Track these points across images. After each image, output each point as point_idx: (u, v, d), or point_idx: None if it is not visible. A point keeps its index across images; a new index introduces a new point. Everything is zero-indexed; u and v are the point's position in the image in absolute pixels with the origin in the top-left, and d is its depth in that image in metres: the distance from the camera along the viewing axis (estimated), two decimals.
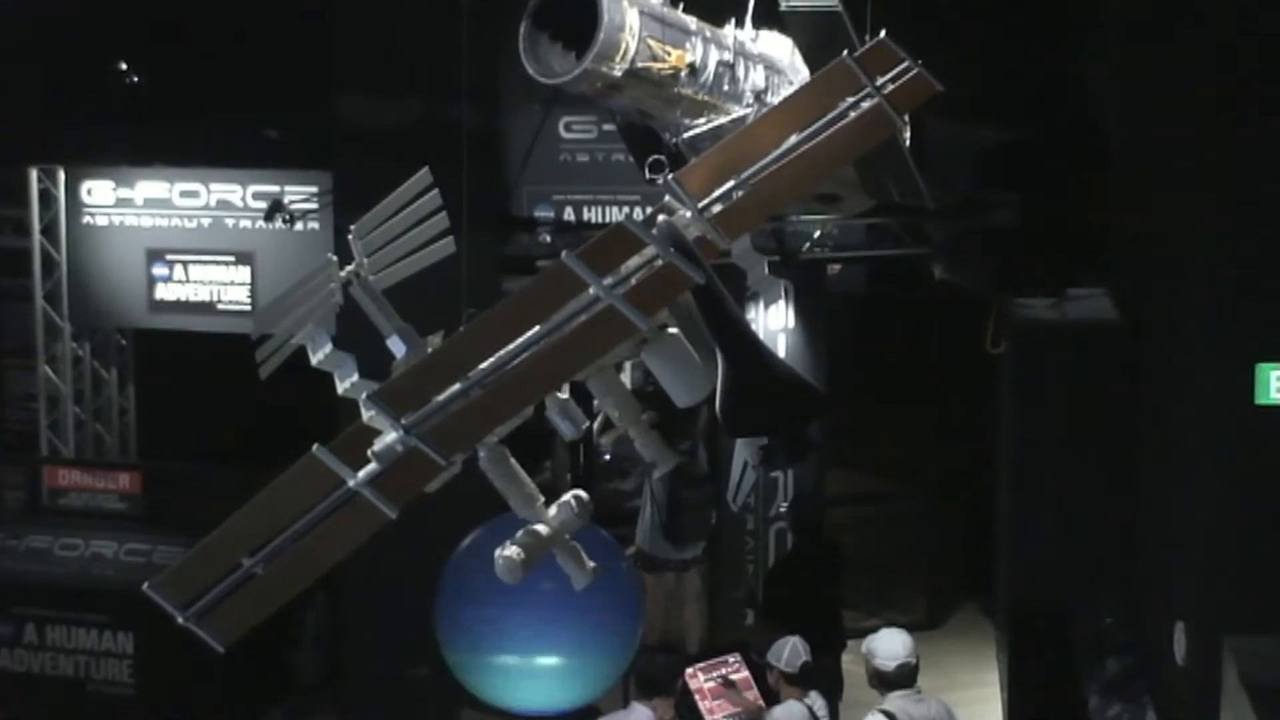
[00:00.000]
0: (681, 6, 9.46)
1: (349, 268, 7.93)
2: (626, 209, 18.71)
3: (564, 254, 6.62)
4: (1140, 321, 16.35)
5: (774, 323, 17.84)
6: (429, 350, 7.64)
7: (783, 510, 19.41)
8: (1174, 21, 14.67)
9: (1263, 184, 12.87)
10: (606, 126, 17.96)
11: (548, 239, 18.90)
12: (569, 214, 19.25)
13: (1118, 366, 16.62)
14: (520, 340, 6.68)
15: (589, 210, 19.25)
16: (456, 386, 6.69)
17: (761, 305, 15.81)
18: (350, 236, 8.07)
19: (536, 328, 6.67)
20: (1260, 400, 12.83)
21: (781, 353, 17.21)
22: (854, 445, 21.85)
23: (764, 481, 18.71)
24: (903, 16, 9.64)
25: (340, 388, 7.64)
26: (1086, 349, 16.95)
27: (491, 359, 6.69)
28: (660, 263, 6.67)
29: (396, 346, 7.76)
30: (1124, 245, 17.10)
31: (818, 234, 18.52)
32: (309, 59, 18.38)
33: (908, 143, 11.34)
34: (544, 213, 19.28)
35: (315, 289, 7.89)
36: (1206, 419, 13.77)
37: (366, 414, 6.83)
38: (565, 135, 19.22)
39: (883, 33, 7.45)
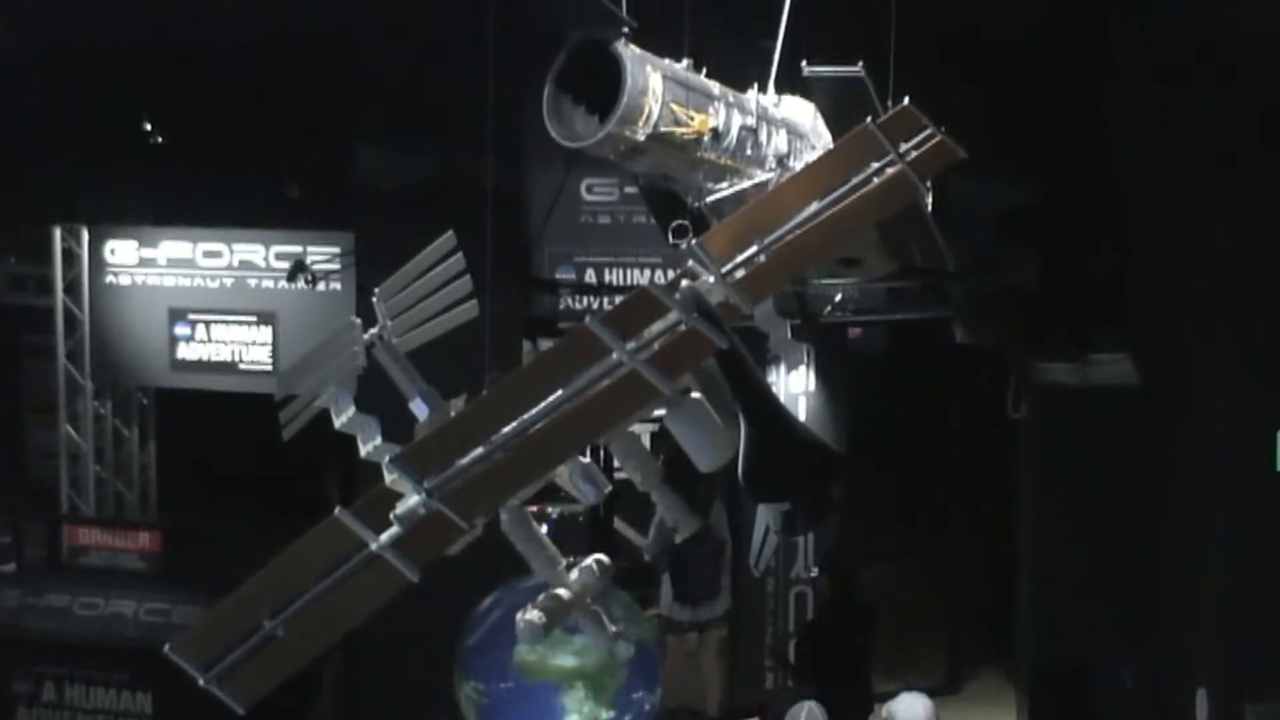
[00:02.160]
0: (705, 71, 9.50)
1: (372, 330, 7.96)
2: (648, 271, 18.76)
3: (587, 318, 6.65)
4: (1161, 386, 16.32)
5: (795, 385, 17.80)
6: (452, 413, 7.66)
7: (806, 574, 19.36)
8: (1198, 78, 14.68)
9: None
10: (628, 188, 18.00)
11: (570, 301, 18.93)
12: (590, 275, 19.27)
13: (1138, 431, 16.58)
14: (543, 404, 6.69)
15: (610, 272, 19.28)
16: (479, 450, 6.70)
17: (783, 368, 15.81)
18: (374, 299, 8.10)
19: (559, 391, 6.69)
20: None
21: (803, 415, 17.16)
22: (874, 508, 21.79)
23: (785, 544, 18.67)
24: (925, 79, 9.69)
25: (363, 450, 7.66)
26: (1107, 413, 16.92)
27: (514, 423, 6.71)
28: (684, 327, 6.69)
29: (419, 409, 7.79)
30: (1145, 308, 17.07)
31: (839, 296, 18.47)
32: (332, 119, 18.47)
33: (929, 206, 11.37)
34: (566, 274, 19.31)
35: (338, 351, 7.93)
36: (1226, 485, 13.75)
37: (389, 477, 6.84)
38: (587, 197, 19.26)
39: (906, 99, 7.48)
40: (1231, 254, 13.59)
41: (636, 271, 19.11)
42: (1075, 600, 16.92)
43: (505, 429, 6.74)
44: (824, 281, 17.55)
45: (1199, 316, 14.75)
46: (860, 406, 19.35)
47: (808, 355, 16.98)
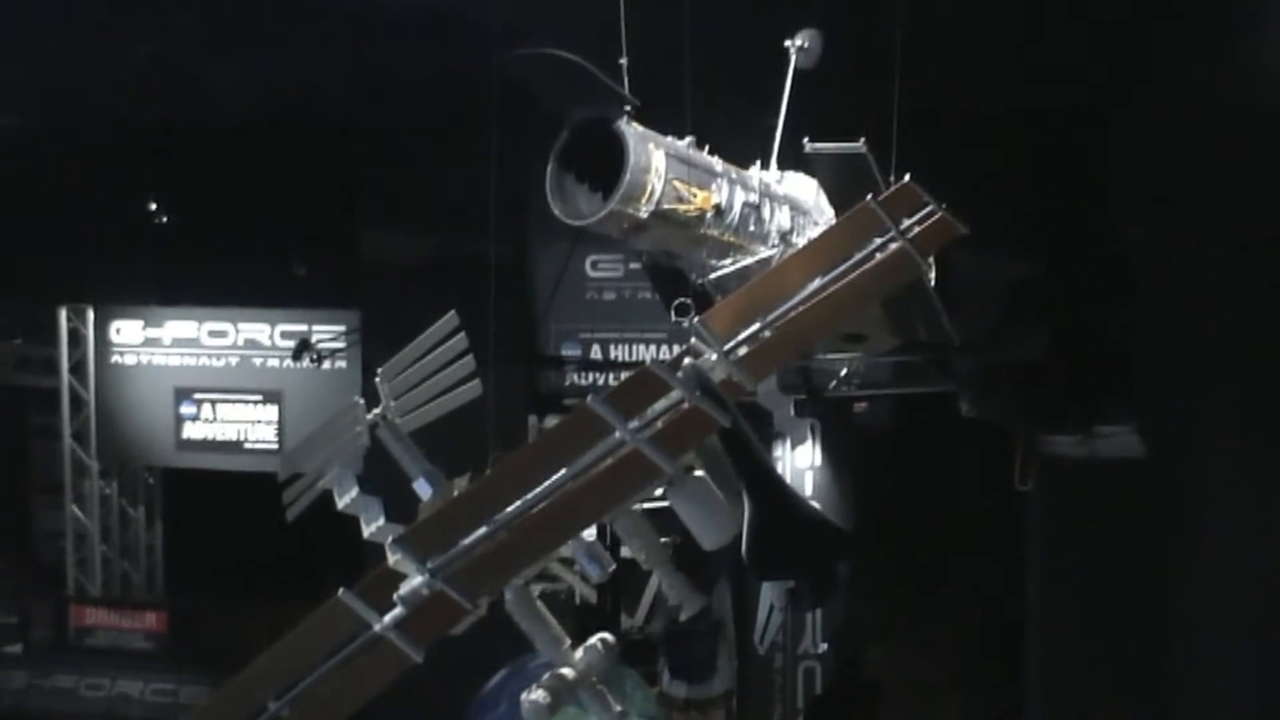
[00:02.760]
0: (707, 147, 9.53)
1: (376, 410, 7.95)
2: (653, 347, 18.77)
3: (589, 398, 6.64)
4: (1168, 458, 16.28)
5: (800, 461, 17.78)
6: (455, 493, 7.64)
7: (814, 650, 19.28)
8: (1204, 150, 14.72)
9: None
10: (633, 265, 18.05)
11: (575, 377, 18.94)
12: (596, 351, 19.28)
13: (1146, 503, 16.53)
14: (546, 483, 6.68)
15: (616, 348, 19.29)
16: (482, 530, 6.69)
17: (788, 445, 15.78)
18: (377, 379, 8.10)
19: (562, 471, 6.67)
20: None
21: (808, 491, 17.13)
22: (881, 583, 21.73)
23: (793, 620, 18.60)
24: (928, 151, 9.72)
25: (366, 531, 7.65)
26: (1114, 485, 16.87)
27: (517, 502, 6.69)
28: (686, 406, 6.68)
29: (423, 489, 7.77)
30: (1151, 381, 17.06)
31: (844, 371, 18.48)
32: (337, 198, 18.54)
33: (933, 280, 11.37)
34: (571, 350, 19.31)
35: (342, 431, 7.92)
36: (1235, 557, 13.70)
37: (392, 557, 6.82)
38: (592, 273, 19.29)
39: (907, 176, 7.49)
40: (1238, 326, 13.58)
41: (642, 347, 19.12)
42: (1084, 673, 16.82)
43: (508, 509, 6.72)
44: (829, 356, 17.58)
45: (1205, 388, 14.74)
46: (866, 481, 19.31)
47: (813, 431, 16.97)
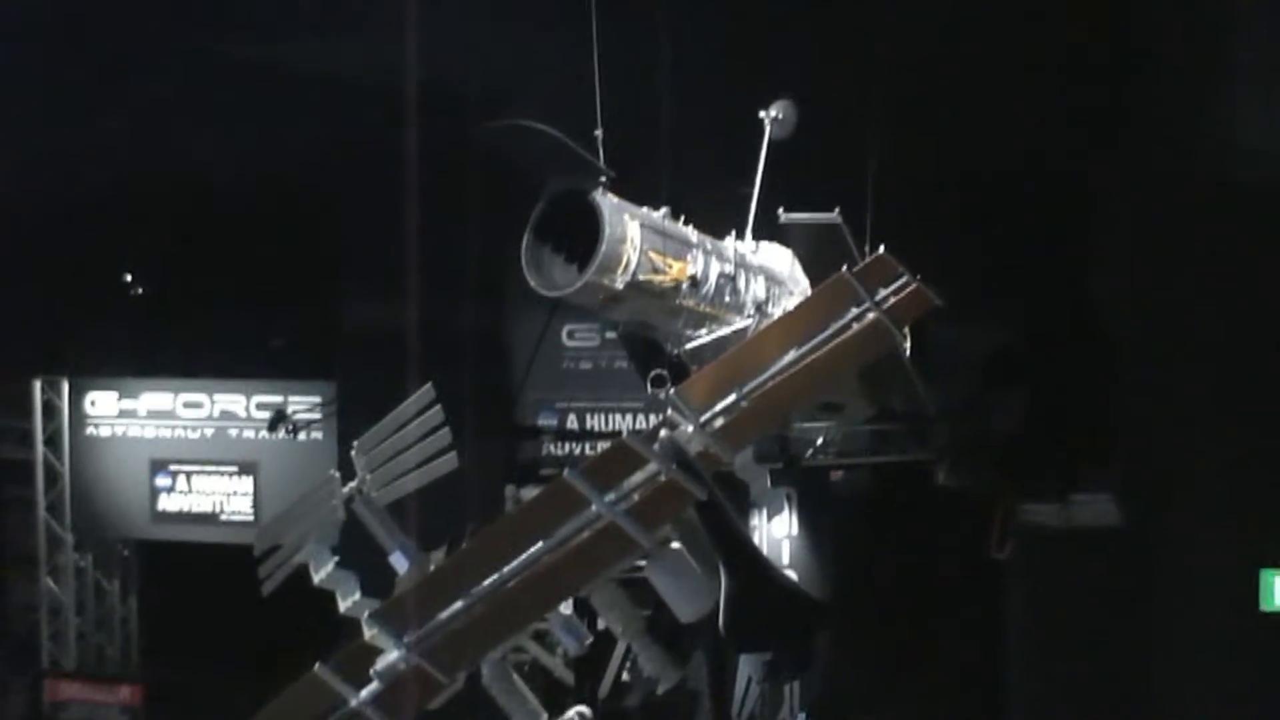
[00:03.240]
0: (683, 218, 9.54)
1: (352, 484, 7.95)
2: (630, 416, 18.73)
3: (566, 471, 6.65)
4: (1145, 526, 16.29)
5: (778, 530, 17.76)
6: (432, 566, 7.63)
7: None
8: (1181, 220, 14.78)
9: (1270, 388, 12.92)
10: (609, 334, 18.01)
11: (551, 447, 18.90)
12: (572, 421, 19.23)
13: (1123, 571, 16.53)
14: (523, 557, 6.67)
15: (592, 417, 19.23)
16: (459, 604, 6.67)
17: (764, 515, 15.77)
18: (353, 453, 8.09)
19: (539, 544, 6.66)
20: (1266, 607, 12.78)
21: (785, 560, 17.13)
22: (859, 653, 21.64)
23: (771, 692, 18.50)
24: (902, 222, 9.75)
25: (342, 606, 7.64)
26: (1092, 553, 16.88)
27: (494, 576, 6.68)
28: (663, 478, 6.68)
29: (399, 562, 7.76)
30: (1128, 450, 17.08)
31: (820, 440, 18.50)
32: (312, 270, 18.52)
33: (908, 350, 11.38)
34: (548, 420, 19.25)
35: (318, 505, 7.91)
36: (1213, 625, 13.69)
37: (369, 631, 6.81)
38: (568, 343, 19.25)
39: (881, 247, 7.52)
40: (1214, 395, 13.61)
41: (618, 416, 19.06)
42: None
43: (485, 582, 6.71)
44: (805, 425, 17.58)
45: (1182, 457, 14.76)
46: (843, 551, 19.30)
47: (789, 500, 16.96)
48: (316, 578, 7.73)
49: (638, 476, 6.71)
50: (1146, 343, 16.35)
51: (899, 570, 22.00)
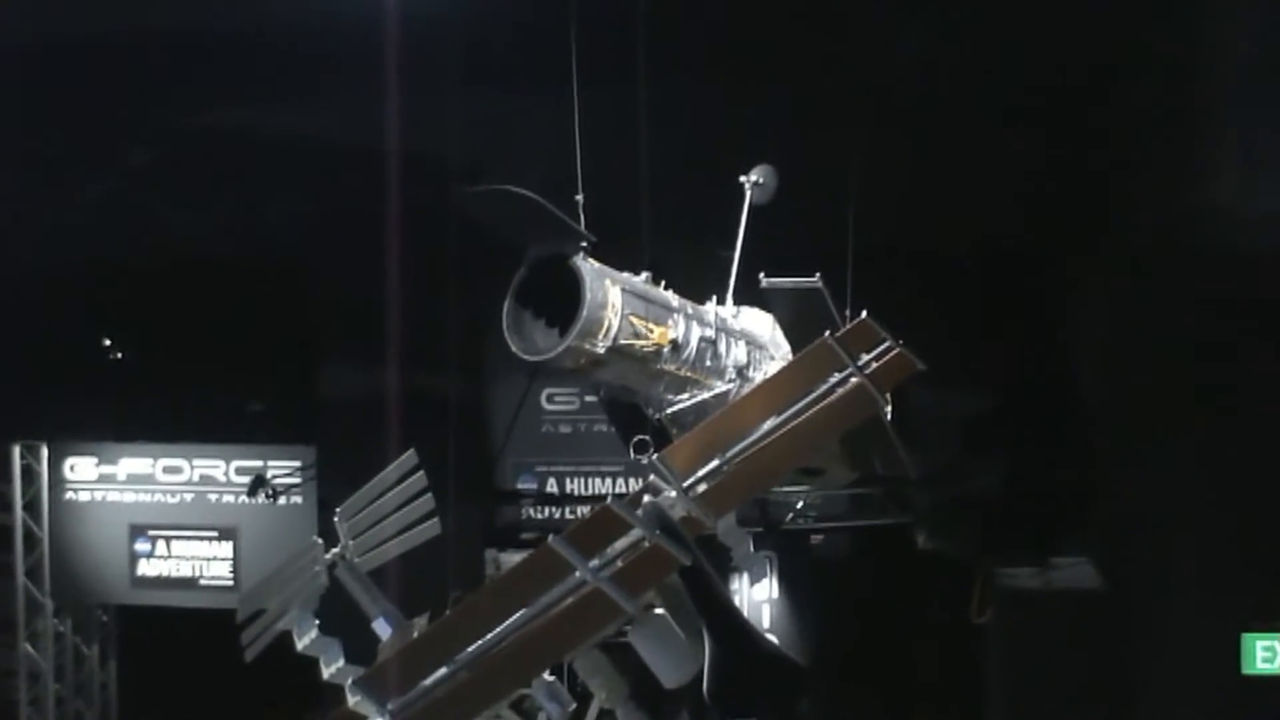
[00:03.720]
0: (663, 283, 9.54)
1: (334, 550, 7.92)
2: (610, 480, 18.71)
3: (550, 537, 6.62)
4: (1125, 590, 16.28)
5: (759, 594, 17.72)
6: (415, 633, 7.59)
7: None
8: (1156, 285, 14.82)
9: (1252, 449, 12.94)
10: (589, 397, 18.01)
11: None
12: (552, 485, 19.20)
13: (1103, 635, 16.50)
14: (506, 624, 6.63)
15: (572, 481, 19.21)
16: (443, 670, 6.63)
17: (745, 579, 15.72)
18: (336, 519, 8.07)
19: (523, 611, 6.63)
20: (1247, 670, 12.75)
21: (765, 624, 17.08)
22: (840, 717, 21.56)
23: None
24: (883, 287, 9.75)
25: (326, 673, 7.59)
26: (1072, 617, 16.85)
27: (478, 643, 6.65)
28: (647, 544, 6.66)
29: (382, 629, 7.72)
30: (1107, 513, 17.08)
31: (801, 504, 18.47)
32: (292, 333, 18.50)
33: (889, 414, 11.37)
34: (528, 484, 19.23)
35: (300, 571, 7.88)
36: (1194, 690, 13.66)
37: (352, 699, 6.77)
38: (547, 406, 19.24)
39: (864, 312, 7.52)
40: (1193, 456, 13.62)
41: (598, 480, 19.05)
42: None
43: (469, 649, 6.68)
44: (785, 489, 17.55)
45: (1161, 520, 14.76)
46: (824, 614, 19.25)
47: (770, 564, 16.93)
48: (300, 644, 7.69)
49: (622, 542, 6.68)
50: (1126, 406, 16.37)
51: (879, 634, 21.95)
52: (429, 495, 8.14)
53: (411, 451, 8.18)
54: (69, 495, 19.94)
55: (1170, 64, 14.63)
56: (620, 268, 8.98)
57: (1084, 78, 14.80)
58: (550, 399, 19.24)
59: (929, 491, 18.32)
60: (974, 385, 17.89)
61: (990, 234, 16.40)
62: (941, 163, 14.97)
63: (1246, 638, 12.73)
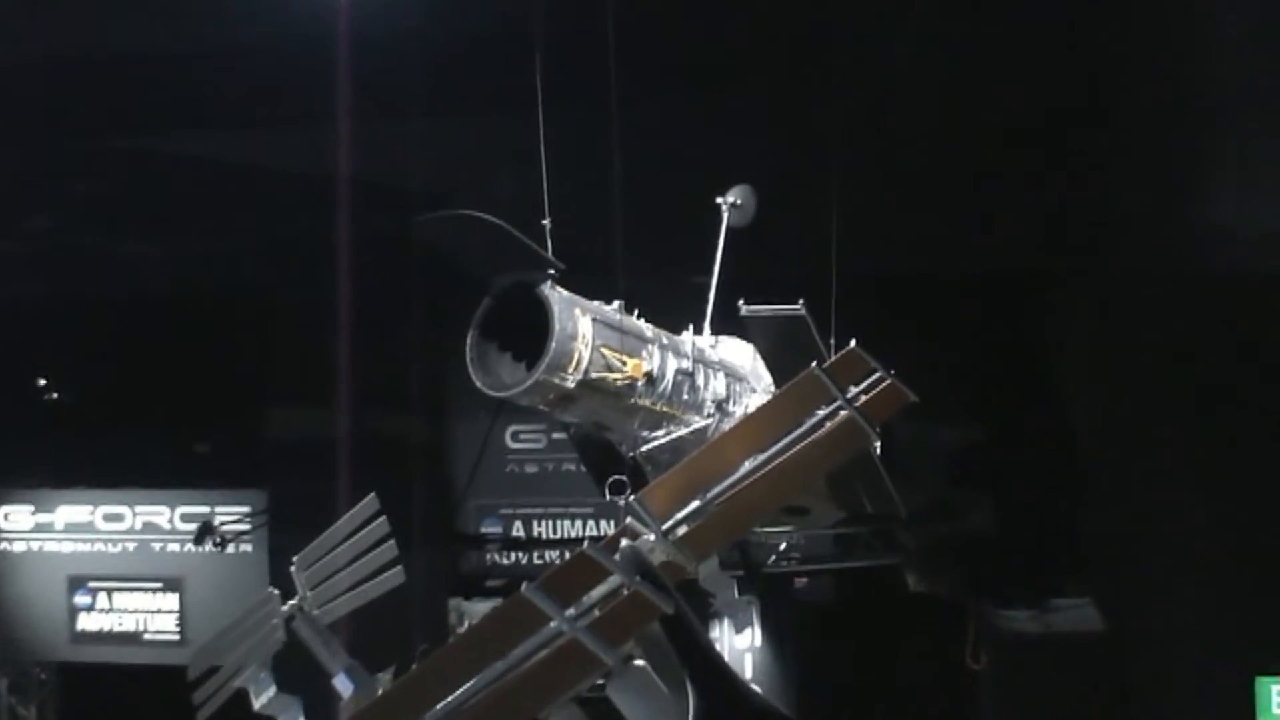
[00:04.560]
0: (637, 312, 9.54)
1: (291, 602, 7.88)
2: (580, 522, 18.68)
3: (524, 585, 6.57)
4: (1129, 633, 16.29)
5: (741, 642, 17.69)
6: (379, 689, 7.55)
7: None
8: (1149, 314, 14.88)
9: (1263, 483, 12.97)
10: (556, 435, 17.97)
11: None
12: (518, 529, 19.15)
13: (1106, 681, 16.50)
14: (479, 677, 6.59)
15: (539, 524, 19.17)
16: None
17: (726, 625, 15.70)
18: (292, 569, 8.04)
19: (496, 664, 6.59)
20: (1263, 717, 12.76)
21: (748, 673, 17.06)
22: None
23: None
24: (870, 314, 9.75)
25: None
26: (1072, 662, 16.84)
27: (447, 699, 6.60)
28: (626, 591, 6.62)
29: (343, 685, 7.68)
30: (1108, 550, 17.10)
31: (784, 545, 18.45)
32: (241, 371, 18.46)
33: (878, 449, 11.37)
34: (492, 528, 19.17)
35: (256, 625, 7.84)
36: None
37: None
38: (513, 445, 19.20)
39: (852, 341, 7.50)
40: (1201, 490, 13.65)
41: (567, 523, 19.02)
42: None
43: (438, 706, 6.62)
44: (767, 530, 17.52)
45: (1168, 557, 14.77)
46: (810, 662, 19.23)
47: (754, 610, 16.90)
48: (256, 703, 7.66)
49: (599, 590, 6.64)
50: (1128, 437, 16.39)
51: (869, 683, 21.93)
52: (391, 542, 8.12)
53: (373, 496, 8.15)
54: (3, 546, 19.87)
55: (1167, 79, 14.71)
56: (591, 296, 8.98)
57: (1081, 93, 14.88)
58: (516, 437, 19.20)
59: (919, 530, 18.32)
60: (967, 416, 17.91)
61: (984, 257, 16.43)
62: (931, 183, 15.02)
63: (1261, 681, 12.74)
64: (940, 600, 18.88)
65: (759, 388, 10.72)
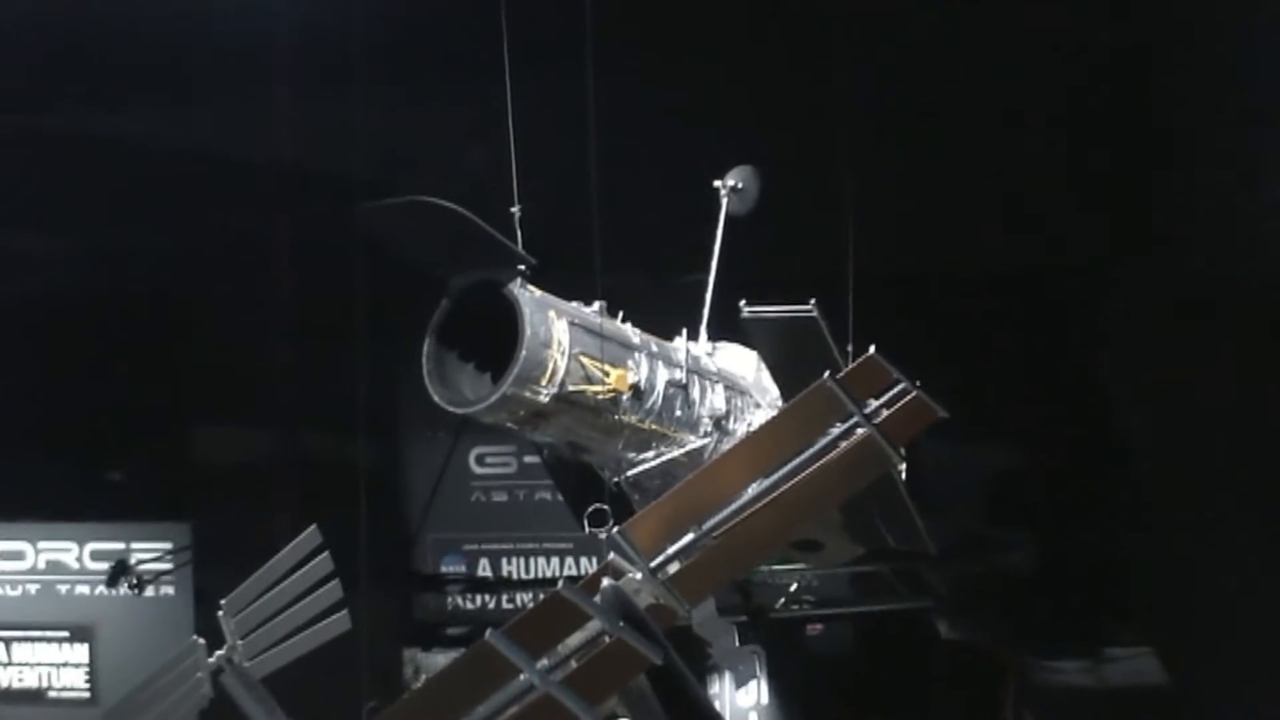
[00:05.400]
0: (621, 316, 9.55)
1: (219, 652, 7.89)
2: (554, 559, 18.71)
3: (489, 632, 6.58)
4: (1192, 687, 16.32)
5: (743, 699, 17.73)
6: None
7: None
8: (1198, 326, 14.93)
9: None
10: (528, 458, 18.02)
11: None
12: (484, 567, 19.18)
13: None
14: None
15: (508, 562, 19.19)
16: None
17: (727, 680, 15.73)
18: (220, 614, 8.04)
19: None
20: None
21: None
22: None
23: None
24: (892, 317, 9.76)
25: None
26: None
27: None
28: (608, 639, 6.63)
29: None
30: (1169, 594, 17.13)
31: (794, 587, 18.50)
32: (159, 386, 18.46)
33: (903, 474, 11.38)
34: (453, 566, 19.20)
35: (179, 679, 7.84)
36: None
37: None
38: (477, 470, 19.23)
39: (871, 348, 7.51)
40: (1270, 527, 13.69)
41: (541, 560, 19.05)
42: None
43: None
44: (775, 569, 17.56)
45: (1237, 601, 14.81)
46: None
47: (759, 661, 16.93)
48: None
49: (577, 638, 6.64)
50: (1189, 459, 16.42)
51: None
52: (335, 583, 8.12)
53: (313, 529, 8.15)
54: None
55: (1204, 62, 14.78)
56: (568, 297, 8.99)
57: (1112, 76, 14.96)
58: (481, 461, 19.23)
59: (950, 569, 18.35)
60: (1005, 436, 17.93)
61: (1026, 253, 16.46)
62: (966, 168, 15.06)
63: None
64: (975, 651, 18.91)
65: (763, 402, 10.74)
